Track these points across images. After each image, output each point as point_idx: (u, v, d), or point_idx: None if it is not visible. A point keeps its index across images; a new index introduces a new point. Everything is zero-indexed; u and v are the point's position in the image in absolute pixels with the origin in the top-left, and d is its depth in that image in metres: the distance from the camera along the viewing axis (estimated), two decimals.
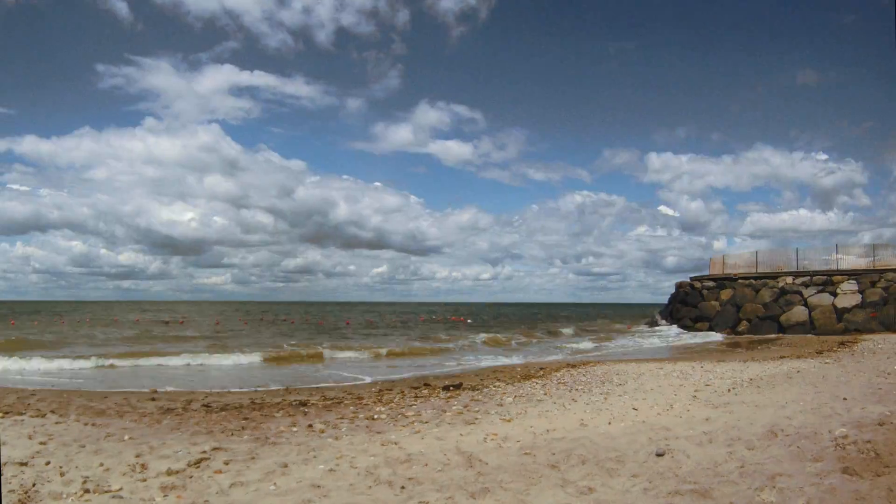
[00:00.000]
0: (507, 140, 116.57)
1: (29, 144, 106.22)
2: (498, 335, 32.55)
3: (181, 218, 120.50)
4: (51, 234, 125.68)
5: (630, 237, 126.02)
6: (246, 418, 8.89)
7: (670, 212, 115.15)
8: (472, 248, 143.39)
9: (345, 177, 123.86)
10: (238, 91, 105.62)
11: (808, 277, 30.92)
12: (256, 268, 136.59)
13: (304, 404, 10.23)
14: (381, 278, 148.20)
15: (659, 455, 6.15)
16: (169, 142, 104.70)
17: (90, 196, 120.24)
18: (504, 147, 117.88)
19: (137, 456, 6.53)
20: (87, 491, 5.32)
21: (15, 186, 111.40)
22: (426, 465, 6.08)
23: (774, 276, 32.09)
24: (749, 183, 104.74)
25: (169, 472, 5.88)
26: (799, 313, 30.34)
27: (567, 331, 39.18)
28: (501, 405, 9.55)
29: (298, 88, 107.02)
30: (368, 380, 14.65)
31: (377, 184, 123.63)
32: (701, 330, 33.06)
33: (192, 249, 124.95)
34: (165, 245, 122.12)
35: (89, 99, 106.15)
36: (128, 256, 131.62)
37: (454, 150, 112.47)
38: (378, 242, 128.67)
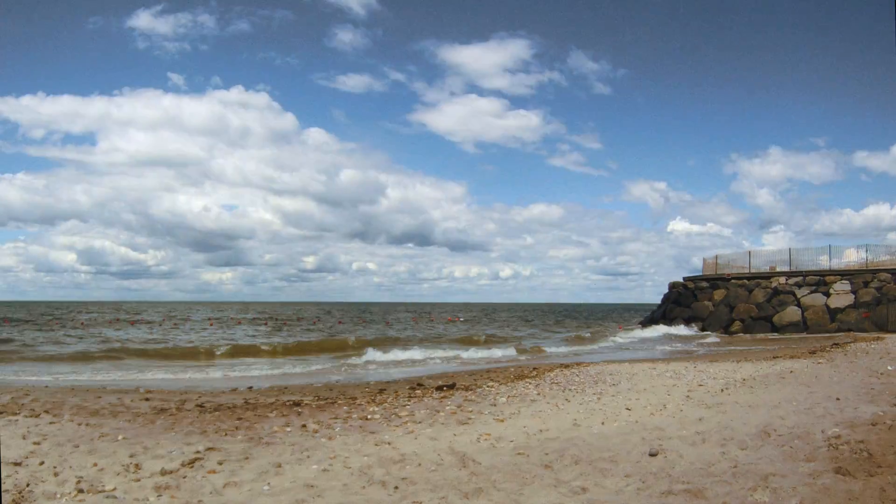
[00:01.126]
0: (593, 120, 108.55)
1: (27, 109, 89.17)
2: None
3: (204, 206, 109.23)
4: (47, 226, 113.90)
5: (682, 233, 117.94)
6: (240, 418, 8.88)
7: (741, 207, 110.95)
8: (520, 246, 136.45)
9: (399, 166, 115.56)
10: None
11: (802, 277, 31.07)
12: (273, 266, 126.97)
13: (297, 404, 10.22)
14: (398, 278, 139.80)
15: (652, 455, 6.18)
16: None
17: (95, 180, 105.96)
18: (589, 128, 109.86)
19: (131, 456, 6.52)
20: (80, 491, 5.31)
21: (7, 175, 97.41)
22: (419, 465, 6.09)
23: (768, 277, 32.24)
24: (829, 178, 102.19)
25: (163, 472, 5.87)
26: (792, 313, 30.50)
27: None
28: (495, 405, 9.57)
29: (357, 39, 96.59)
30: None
31: (431, 176, 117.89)
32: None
33: (217, 245, 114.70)
34: (190, 240, 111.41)
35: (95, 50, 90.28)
36: (137, 253, 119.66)
37: (528, 125, 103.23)
38: (424, 238, 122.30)
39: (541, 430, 7.51)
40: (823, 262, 31.91)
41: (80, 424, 8.28)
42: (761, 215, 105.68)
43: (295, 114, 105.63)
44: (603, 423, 7.85)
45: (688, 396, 9.74)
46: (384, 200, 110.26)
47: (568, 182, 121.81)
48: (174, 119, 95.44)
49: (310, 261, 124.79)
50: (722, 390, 10.33)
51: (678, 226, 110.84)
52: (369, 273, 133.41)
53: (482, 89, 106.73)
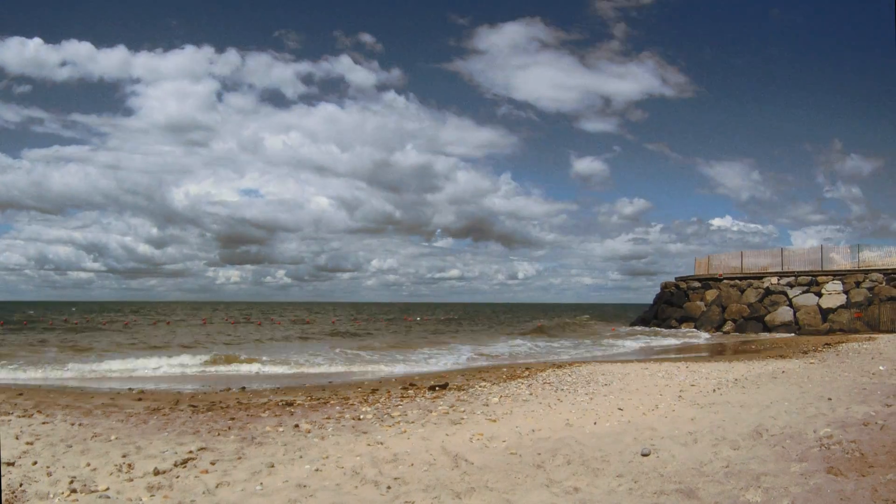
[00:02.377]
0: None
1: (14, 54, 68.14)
2: None
3: (240, 190, 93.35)
4: (36, 215, 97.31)
5: (735, 231, 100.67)
6: (232, 418, 8.87)
7: (825, 206, 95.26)
8: (573, 244, 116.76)
9: (475, 139, 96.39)
10: None
11: (794, 278, 31.20)
12: (291, 264, 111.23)
13: (290, 404, 10.21)
14: (411, 278, 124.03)
15: (644, 455, 6.20)
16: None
17: (107, 157, 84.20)
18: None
19: (124, 456, 6.51)
20: (73, 491, 5.31)
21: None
22: (412, 464, 6.10)
23: (759, 277, 32.35)
24: None
25: (155, 472, 5.86)
26: (784, 314, 30.62)
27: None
28: (487, 405, 9.58)
29: None
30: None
31: (503, 157, 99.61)
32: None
33: (254, 239, 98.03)
34: (218, 233, 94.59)
35: None
36: (146, 248, 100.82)
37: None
38: (482, 233, 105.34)
39: (533, 430, 7.53)
40: (815, 263, 32.05)
41: (72, 424, 8.25)
42: (846, 214, 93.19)
43: (369, 70, 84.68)
44: (595, 423, 7.87)
45: (680, 396, 9.77)
46: (449, 186, 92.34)
47: (655, 171, 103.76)
48: (206, 80, 78.19)
49: (331, 258, 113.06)
50: (714, 390, 10.37)
51: (726, 222, 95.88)
52: (385, 272, 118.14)
53: (606, 35, 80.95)
